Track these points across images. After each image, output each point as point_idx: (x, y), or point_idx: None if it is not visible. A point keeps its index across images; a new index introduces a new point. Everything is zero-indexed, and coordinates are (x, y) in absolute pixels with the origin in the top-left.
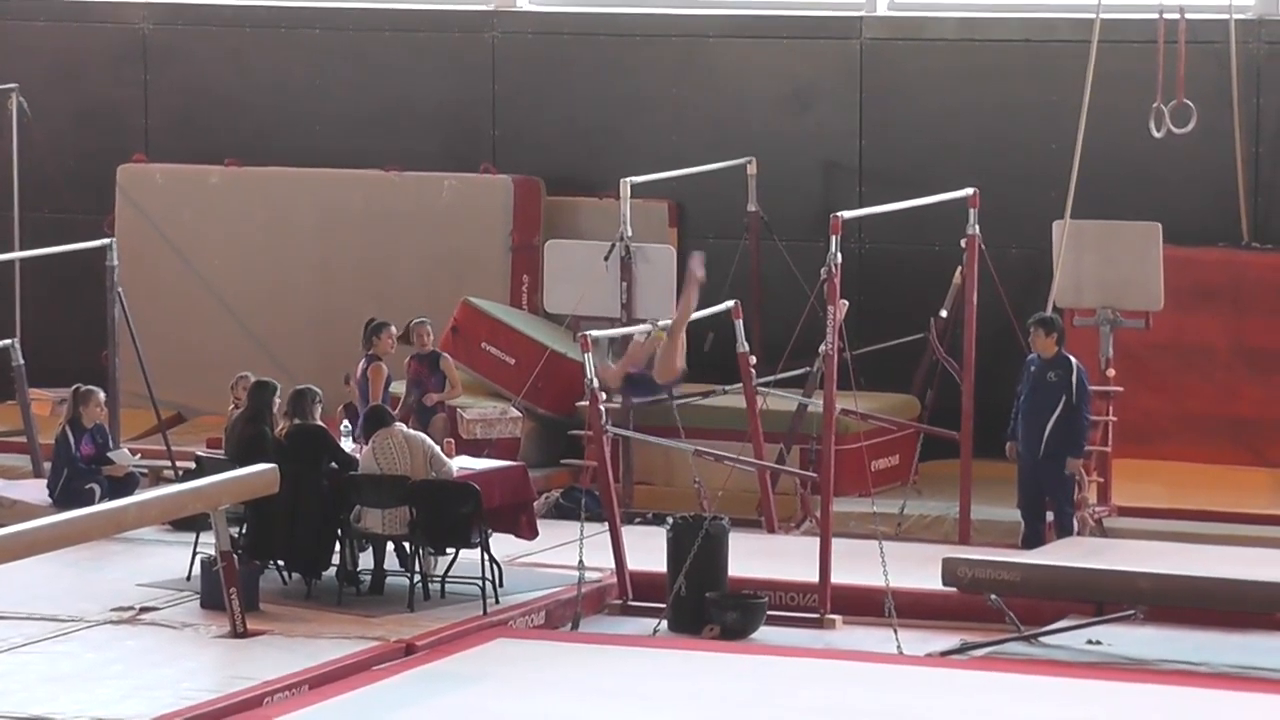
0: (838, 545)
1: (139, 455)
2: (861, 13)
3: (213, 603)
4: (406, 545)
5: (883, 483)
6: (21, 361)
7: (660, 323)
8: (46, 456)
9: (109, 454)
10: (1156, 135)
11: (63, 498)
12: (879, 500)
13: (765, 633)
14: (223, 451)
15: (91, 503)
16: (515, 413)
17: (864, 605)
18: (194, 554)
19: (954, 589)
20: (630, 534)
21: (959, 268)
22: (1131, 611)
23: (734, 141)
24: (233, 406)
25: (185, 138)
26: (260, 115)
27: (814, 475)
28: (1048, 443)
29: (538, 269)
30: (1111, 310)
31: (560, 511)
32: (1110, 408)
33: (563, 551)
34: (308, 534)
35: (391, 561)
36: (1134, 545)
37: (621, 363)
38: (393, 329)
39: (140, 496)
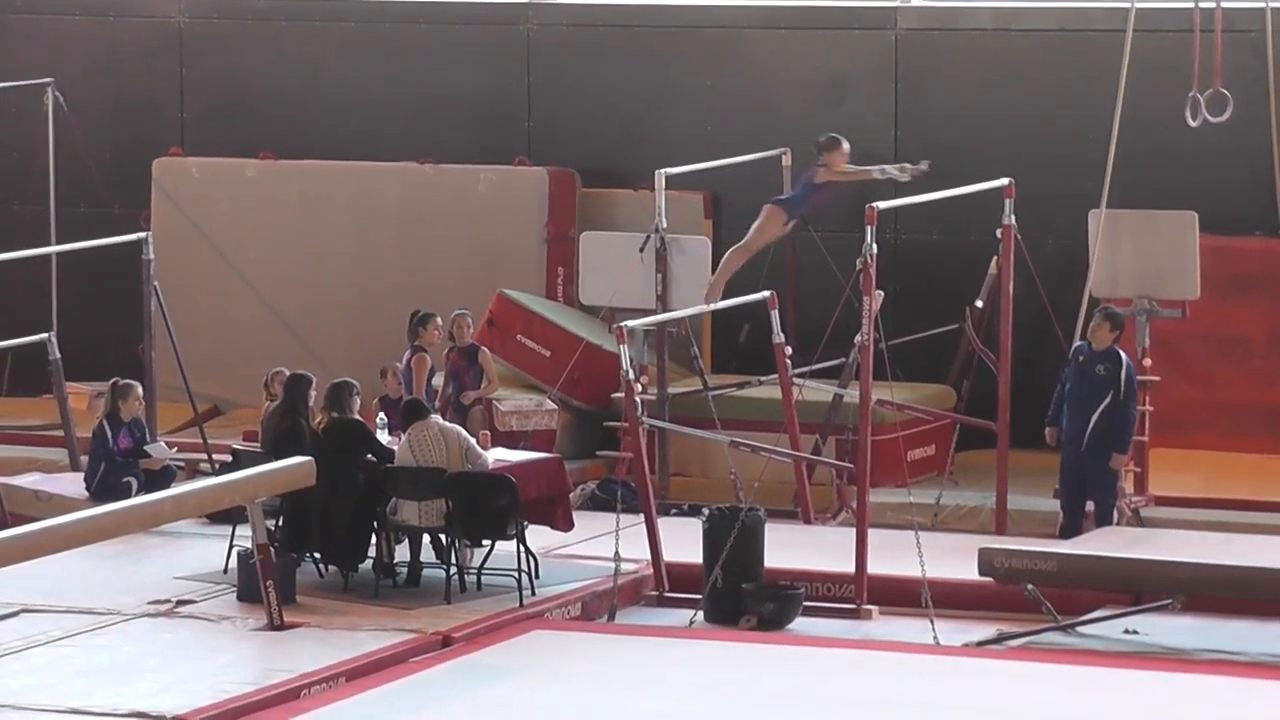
0: (874, 536)
1: (176, 449)
2: (896, 3)
3: (249, 595)
4: (443, 537)
5: (919, 473)
6: (58, 355)
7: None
8: (84, 450)
9: (146, 447)
10: (1192, 124)
11: (100, 491)
12: (915, 491)
13: (802, 624)
14: (259, 444)
15: (129, 496)
16: (551, 405)
17: (900, 596)
18: (230, 547)
19: (990, 579)
20: (666, 525)
21: (994, 258)
22: (1168, 601)
23: (769, 132)
24: (268, 401)
25: (221, 131)
26: (295, 108)
27: (850, 466)
28: (1092, 435)
29: (573, 261)
30: (1148, 300)
31: (596, 503)
32: (1147, 398)
33: (599, 543)
34: (344, 526)
35: (428, 554)
36: (1171, 535)
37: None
38: (438, 320)
39: (177, 490)
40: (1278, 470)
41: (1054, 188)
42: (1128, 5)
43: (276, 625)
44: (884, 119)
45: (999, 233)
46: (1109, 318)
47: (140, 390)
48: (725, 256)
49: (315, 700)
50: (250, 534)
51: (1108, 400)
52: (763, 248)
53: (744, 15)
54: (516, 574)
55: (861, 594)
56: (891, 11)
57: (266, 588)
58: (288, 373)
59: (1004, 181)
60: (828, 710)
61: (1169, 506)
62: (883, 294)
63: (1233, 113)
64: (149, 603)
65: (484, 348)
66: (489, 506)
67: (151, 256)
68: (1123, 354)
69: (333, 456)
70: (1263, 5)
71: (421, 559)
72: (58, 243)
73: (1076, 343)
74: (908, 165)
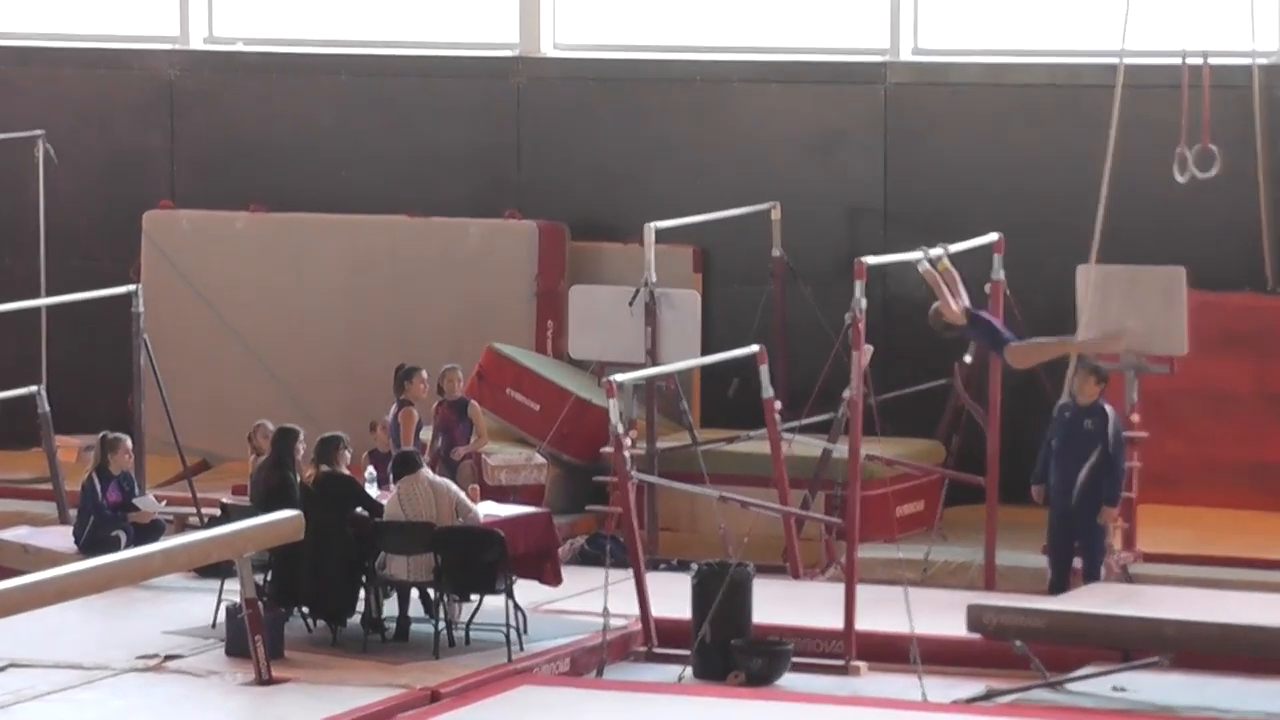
0: (863, 591)
1: (165, 502)
2: (886, 58)
3: (238, 650)
4: (431, 592)
5: (908, 528)
6: (47, 408)
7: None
8: (73, 504)
9: (135, 501)
10: (1180, 180)
11: (89, 545)
12: (904, 546)
13: (790, 679)
14: (248, 498)
15: (117, 550)
16: (540, 459)
17: (889, 652)
18: (219, 601)
19: (979, 635)
20: (655, 580)
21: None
22: (1157, 658)
23: (759, 187)
24: (253, 455)
25: (211, 184)
26: (286, 161)
27: (839, 521)
28: (1079, 491)
29: (562, 315)
30: (1136, 355)
31: (585, 558)
32: (1135, 453)
33: (587, 598)
34: (333, 581)
35: (416, 608)
36: (1160, 591)
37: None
38: (424, 374)
39: (166, 543)
40: (1266, 527)
41: (1043, 243)
42: (1116, 61)
43: (265, 680)
44: (873, 173)
45: (988, 288)
46: (1093, 372)
47: (129, 443)
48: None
49: None
50: (239, 588)
51: (1095, 455)
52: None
53: (734, 70)
54: (505, 629)
55: (850, 650)
56: (881, 66)
57: (255, 642)
58: (271, 426)
59: (993, 237)
60: None
61: (1157, 563)
62: (872, 349)
63: (1220, 169)
64: (137, 657)
65: (473, 401)
66: (477, 561)
67: (141, 309)
68: (1108, 408)
69: (322, 511)
70: (1250, 62)
71: (410, 614)
72: (47, 295)
73: (1062, 400)
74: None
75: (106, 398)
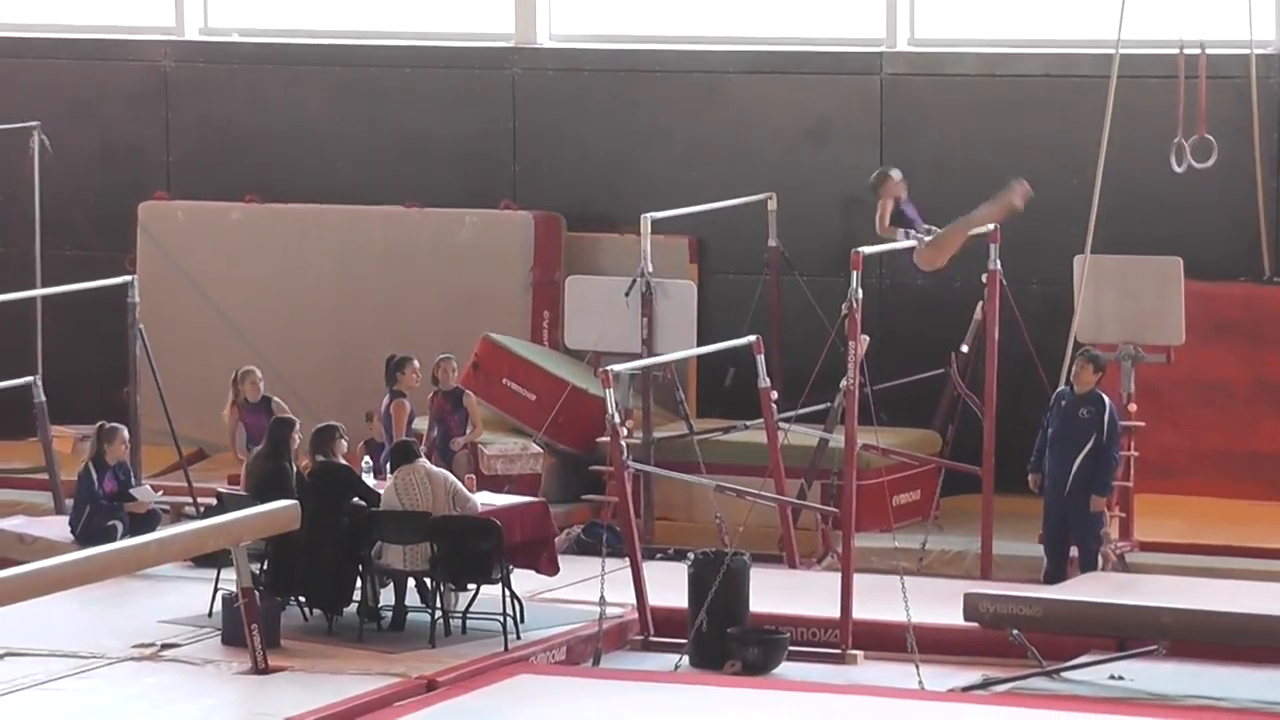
0: (859, 580)
1: (160, 492)
2: (882, 48)
3: (234, 639)
4: (428, 581)
5: (904, 518)
6: (43, 399)
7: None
8: (68, 493)
9: (131, 491)
10: (1177, 170)
11: (85, 535)
12: (900, 535)
13: (786, 668)
14: (243, 488)
15: (113, 540)
16: (536, 448)
17: (886, 641)
18: (215, 590)
19: (976, 624)
20: (651, 569)
21: (980, 303)
22: (1154, 647)
23: (754, 177)
24: (231, 398)
25: (206, 175)
26: (281, 152)
27: (835, 510)
28: (1075, 479)
29: (558, 305)
30: (1133, 345)
31: (581, 547)
32: (1132, 443)
33: (584, 587)
34: (329, 570)
35: (412, 597)
36: (1156, 580)
37: (949, 243)
38: (416, 364)
39: (162, 533)
40: (1262, 516)
41: (1039, 233)
42: (1112, 51)
43: (261, 669)
44: (869, 163)
45: (984, 278)
46: (1091, 360)
47: (125, 433)
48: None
49: None
50: (235, 578)
51: (1090, 444)
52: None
53: (730, 60)
54: (501, 618)
55: (846, 639)
56: (877, 56)
57: (251, 631)
58: (258, 374)
59: (990, 227)
60: None
61: (1154, 552)
62: (868, 339)
63: (1217, 158)
64: (133, 646)
65: (469, 391)
66: (474, 550)
67: (136, 300)
68: (1105, 397)
69: (318, 500)
70: (1247, 52)
71: (406, 603)
72: (43, 286)
73: (1059, 388)
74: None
75: (102, 388)
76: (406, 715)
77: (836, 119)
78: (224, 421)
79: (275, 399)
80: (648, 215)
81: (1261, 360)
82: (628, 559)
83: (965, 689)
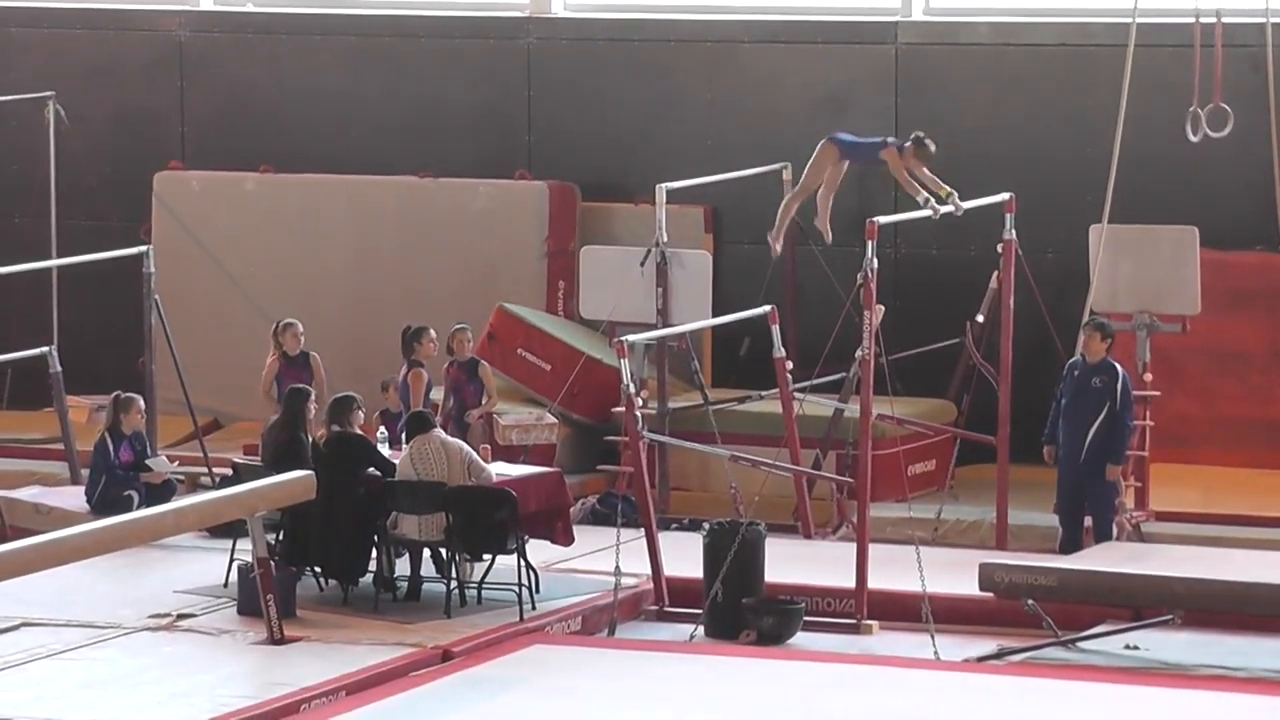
0: (874, 550)
1: (176, 462)
2: (896, 18)
3: (250, 609)
4: (443, 551)
5: (919, 488)
6: (59, 368)
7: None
8: (84, 463)
9: (147, 461)
10: (1193, 139)
11: (101, 505)
12: (915, 505)
13: (802, 638)
14: (259, 458)
15: (129, 510)
16: (551, 419)
17: (901, 610)
18: (231, 560)
19: (991, 594)
20: (666, 540)
21: (995, 272)
22: (1169, 616)
23: (769, 146)
24: (274, 352)
25: (221, 145)
26: (295, 122)
27: (850, 480)
28: (1089, 449)
29: (573, 275)
30: (1148, 315)
31: (596, 517)
32: (1147, 412)
33: (599, 557)
34: (344, 540)
35: (428, 568)
36: (1171, 550)
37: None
38: (432, 334)
39: (178, 503)
40: (1277, 485)
41: (1055, 202)
42: (1128, 20)
43: (276, 639)
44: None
45: (1000, 247)
46: (1098, 328)
47: (141, 404)
48: (783, 203)
49: (315, 715)
50: (251, 548)
51: (1104, 413)
52: (816, 186)
53: (744, 29)
54: (517, 588)
55: (862, 609)
56: (892, 26)
57: (266, 602)
58: (299, 326)
59: (1005, 196)
60: None
61: (1169, 521)
62: (883, 309)
63: (1233, 127)
64: (149, 616)
65: (484, 362)
66: (489, 520)
67: (152, 270)
68: (1118, 366)
69: (333, 471)
70: (1263, 20)
71: (421, 573)
72: (58, 256)
73: (1073, 358)
74: (951, 203)
75: (118, 358)
76: (422, 685)
77: (851, 88)
78: (261, 375)
79: (313, 354)
80: (663, 185)
81: (1277, 329)
82: (643, 529)
83: (980, 659)
